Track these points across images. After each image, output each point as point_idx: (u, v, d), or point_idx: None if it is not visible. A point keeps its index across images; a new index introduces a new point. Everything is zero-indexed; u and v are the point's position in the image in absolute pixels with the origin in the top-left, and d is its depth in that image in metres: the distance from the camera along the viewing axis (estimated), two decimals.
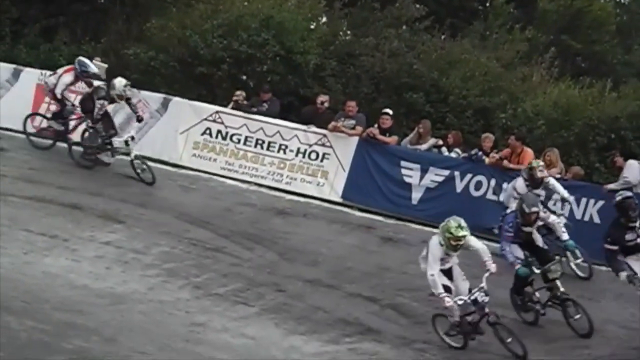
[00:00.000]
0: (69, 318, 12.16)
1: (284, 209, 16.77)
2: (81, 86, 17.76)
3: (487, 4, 24.96)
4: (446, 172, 16.75)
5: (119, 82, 16.87)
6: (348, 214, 16.69)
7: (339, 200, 17.20)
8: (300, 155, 17.61)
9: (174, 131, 18.25)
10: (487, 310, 12.46)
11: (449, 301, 12.23)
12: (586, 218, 15.76)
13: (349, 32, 21.70)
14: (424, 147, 17.28)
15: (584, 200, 15.80)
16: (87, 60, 17.49)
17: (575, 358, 12.31)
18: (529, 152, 16.60)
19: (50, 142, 17.74)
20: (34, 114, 18.14)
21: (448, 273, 12.66)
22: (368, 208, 16.93)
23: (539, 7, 24.34)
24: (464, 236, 12.36)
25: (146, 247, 14.78)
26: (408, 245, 15.57)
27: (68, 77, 17.29)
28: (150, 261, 14.42)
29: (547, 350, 12.54)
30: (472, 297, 12.39)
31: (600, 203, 15.64)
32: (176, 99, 18.53)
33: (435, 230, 14.14)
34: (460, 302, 12.38)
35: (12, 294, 12.30)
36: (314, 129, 17.62)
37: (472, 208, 16.28)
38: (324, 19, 22.09)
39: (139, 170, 16.82)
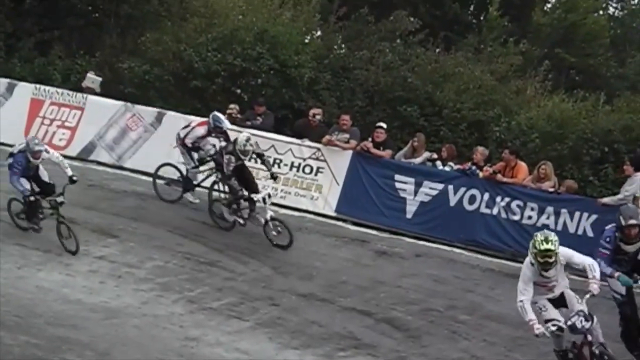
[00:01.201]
0: (62, 332, 12.16)
1: None
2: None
3: (481, 18, 25.02)
4: (440, 186, 16.74)
5: (241, 138, 15.73)
6: (342, 227, 16.69)
7: (333, 214, 17.19)
8: (294, 169, 17.62)
9: (168, 145, 18.22)
10: (589, 337, 11.18)
11: (538, 328, 10.93)
12: (579, 232, 15.75)
13: (343, 45, 21.74)
14: (418, 160, 17.29)
15: (577, 214, 15.77)
16: (221, 116, 16.67)
17: None
18: (522, 165, 16.62)
19: (178, 194, 16.83)
20: (166, 163, 17.11)
21: (560, 301, 11.38)
22: (362, 222, 16.93)
23: (533, 20, 24.42)
24: (551, 250, 10.99)
25: (140, 261, 14.79)
26: (402, 259, 15.57)
27: (200, 130, 16.52)
28: (144, 275, 14.44)
29: None
30: (570, 323, 11.06)
31: (594, 217, 15.62)
32: (171, 112, 18.54)
33: (428, 244, 14.20)
34: (553, 328, 11.09)
35: (5, 309, 12.31)
36: (308, 142, 17.62)
37: (465, 222, 16.30)
38: (319, 33, 22.14)
39: (274, 233, 15.44)
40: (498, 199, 16.27)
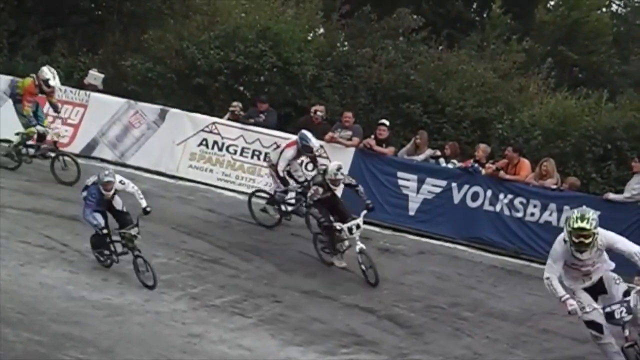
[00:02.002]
0: (65, 329, 12.17)
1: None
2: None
3: (485, 15, 25.01)
4: (443, 183, 16.76)
5: (331, 167, 15.03)
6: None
7: None
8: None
9: (171, 142, 18.28)
10: (627, 332, 10.17)
11: (572, 304, 10.06)
12: None
13: (346, 43, 21.73)
14: (420, 157, 17.30)
15: None
16: (308, 134, 16.11)
17: None
18: (525, 163, 16.63)
19: (276, 220, 16.47)
20: (260, 190, 16.99)
21: (597, 287, 10.49)
22: (365, 219, 16.93)
23: (536, 18, 24.37)
24: (586, 230, 10.03)
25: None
26: (405, 256, 15.59)
27: (290, 152, 16.07)
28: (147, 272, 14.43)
29: None
30: (608, 310, 10.12)
31: (597, 214, 15.62)
32: (173, 110, 18.56)
33: (431, 241, 14.20)
34: (589, 310, 10.22)
35: (8, 306, 12.31)
36: None
37: (469, 219, 16.32)
38: (321, 30, 22.13)
39: (364, 267, 14.57)
40: (501, 196, 16.28)
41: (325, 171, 15.02)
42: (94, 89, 19.27)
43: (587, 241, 10.06)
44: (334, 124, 17.95)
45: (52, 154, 17.07)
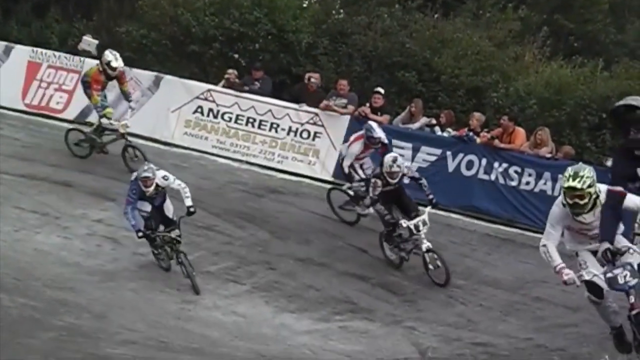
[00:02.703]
0: (60, 295, 12.19)
1: (275, 187, 16.78)
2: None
3: None
4: (438, 152, 16.75)
5: (387, 159, 14.29)
6: (339, 193, 16.68)
7: (331, 179, 17.20)
8: (292, 134, 17.61)
9: (165, 109, 18.22)
10: (632, 298, 9.29)
11: (567, 273, 9.31)
12: None
13: (341, 10, 21.62)
14: (415, 126, 17.28)
15: None
16: (373, 124, 15.48)
17: (564, 336, 12.36)
18: (520, 131, 16.63)
19: (354, 218, 15.71)
20: (334, 188, 16.16)
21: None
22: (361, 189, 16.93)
23: None
24: (578, 190, 9.23)
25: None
26: None
27: (356, 147, 15.44)
28: (141, 239, 14.43)
29: (536, 329, 12.60)
30: (610, 275, 9.25)
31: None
32: (168, 77, 18.50)
33: (425, 209, 14.19)
34: (588, 277, 9.39)
35: (3, 271, 12.33)
36: (305, 107, 17.61)
37: (463, 188, 16.33)
38: None
39: (431, 267, 13.87)
40: (496, 164, 16.29)
41: (381, 163, 14.40)
42: (88, 54, 19.17)
43: (582, 202, 9.25)
44: (329, 91, 17.91)
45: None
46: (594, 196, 9.34)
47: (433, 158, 16.78)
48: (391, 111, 17.76)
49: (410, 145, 16.90)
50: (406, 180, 14.51)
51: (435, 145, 16.78)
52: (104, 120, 16.34)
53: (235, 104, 17.95)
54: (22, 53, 19.16)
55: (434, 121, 17.35)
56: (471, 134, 16.70)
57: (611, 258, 9.17)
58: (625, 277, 9.17)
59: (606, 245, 9.18)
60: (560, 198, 9.48)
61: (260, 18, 19.90)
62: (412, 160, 16.80)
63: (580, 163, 9.72)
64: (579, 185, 9.20)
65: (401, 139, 16.97)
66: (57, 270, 13.02)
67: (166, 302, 12.73)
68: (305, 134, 17.46)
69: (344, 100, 17.58)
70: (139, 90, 18.30)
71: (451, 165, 16.67)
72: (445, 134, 17.08)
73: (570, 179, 9.24)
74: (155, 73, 18.67)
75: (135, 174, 13.48)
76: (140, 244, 14.04)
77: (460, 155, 16.54)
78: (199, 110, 18.08)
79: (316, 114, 17.50)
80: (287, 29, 20.00)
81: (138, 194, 13.32)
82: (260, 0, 20.18)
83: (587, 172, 9.32)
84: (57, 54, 19.11)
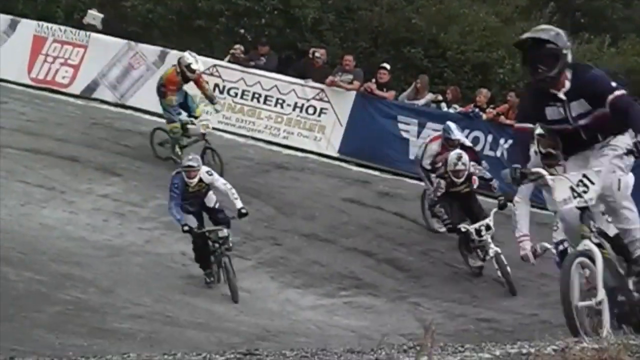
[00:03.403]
0: (66, 269, 12.23)
1: (281, 163, 16.78)
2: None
3: None
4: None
5: (451, 157, 13.55)
6: (345, 168, 16.70)
7: (336, 155, 17.19)
8: (298, 110, 17.58)
9: None
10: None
11: (525, 249, 8.74)
12: None
13: None
14: (421, 102, 17.26)
15: None
16: (451, 125, 14.78)
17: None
18: None
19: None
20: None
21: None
22: (365, 163, 16.94)
23: None
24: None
25: (143, 200, 14.82)
26: (404, 200, 15.60)
27: (434, 147, 14.80)
28: (147, 214, 14.47)
29: (541, 305, 12.63)
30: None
31: None
32: (174, 52, 18.43)
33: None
34: (541, 250, 8.74)
35: (9, 245, 12.36)
36: (311, 83, 17.57)
37: None
38: None
39: (500, 273, 13.04)
40: (502, 141, 16.27)
41: (445, 162, 13.65)
42: (93, 29, 19.14)
43: (554, 152, 7.69)
44: (335, 67, 17.87)
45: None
46: None
47: (438, 134, 16.74)
48: (397, 87, 17.73)
49: (415, 121, 16.87)
50: (475, 184, 13.69)
51: (441, 121, 16.70)
52: (183, 118, 15.65)
53: (241, 80, 17.91)
54: (27, 27, 19.12)
55: (439, 97, 17.32)
56: (477, 110, 16.67)
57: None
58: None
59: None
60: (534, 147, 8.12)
61: None
62: (418, 136, 16.78)
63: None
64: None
65: (407, 114, 16.95)
66: (63, 244, 13.06)
67: (172, 277, 12.78)
68: (311, 110, 17.43)
69: (350, 76, 17.54)
70: (144, 65, 18.27)
71: None
72: (451, 110, 17.05)
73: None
74: (160, 48, 18.63)
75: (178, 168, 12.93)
76: (146, 219, 14.09)
77: (466, 131, 16.49)
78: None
79: (322, 90, 17.46)
80: (293, 4, 19.93)
81: (181, 189, 12.68)
82: None
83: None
84: (62, 28, 19.07)
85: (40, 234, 13.20)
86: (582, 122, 7.05)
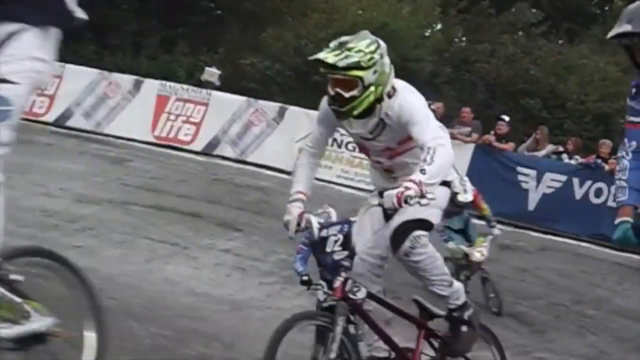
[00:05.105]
0: (190, 324, 12.35)
1: None
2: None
3: (606, 8, 24.52)
4: (564, 178, 16.51)
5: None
6: None
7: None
8: None
9: (290, 140, 18.41)
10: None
11: (289, 214, 6.34)
12: None
13: (463, 38, 21.60)
14: (541, 153, 17.08)
15: None
16: None
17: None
18: None
19: None
20: None
21: None
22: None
23: None
24: (341, 70, 5.85)
25: (264, 255, 14.92)
26: (526, 253, 15.39)
27: None
28: (268, 269, 14.56)
29: None
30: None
31: None
32: (292, 107, 18.71)
33: (553, 238, 13.86)
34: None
35: (135, 301, 12.56)
36: None
37: (592, 215, 16.02)
38: (439, 26, 22.04)
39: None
40: None
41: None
42: (211, 85, 19.56)
43: (346, 94, 5.87)
44: (452, 120, 17.84)
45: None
46: (373, 94, 5.72)
47: (558, 185, 16.53)
48: (516, 139, 17.61)
49: (534, 172, 16.69)
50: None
51: (561, 172, 16.54)
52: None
53: None
54: (151, 87, 19.64)
55: (560, 148, 17.12)
56: (599, 161, 16.41)
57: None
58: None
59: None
60: None
61: None
62: (537, 187, 16.58)
63: (366, 32, 5.83)
64: (337, 62, 5.75)
65: (526, 165, 16.78)
66: (187, 299, 13.20)
67: (294, 332, 12.78)
68: None
69: (468, 129, 17.49)
70: (264, 121, 18.55)
71: (578, 193, 16.39)
72: (572, 162, 16.82)
73: (327, 51, 5.81)
74: (279, 104, 18.91)
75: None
76: (267, 274, 14.18)
77: (588, 182, 16.26)
78: None
79: None
80: (410, 57, 20.05)
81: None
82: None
83: (368, 44, 5.70)
84: (184, 86, 19.54)
85: (165, 289, 13.37)
86: None
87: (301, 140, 18.32)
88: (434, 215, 6.05)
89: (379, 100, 5.81)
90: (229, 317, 12.98)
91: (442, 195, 5.99)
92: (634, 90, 5.85)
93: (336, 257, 5.99)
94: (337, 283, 5.92)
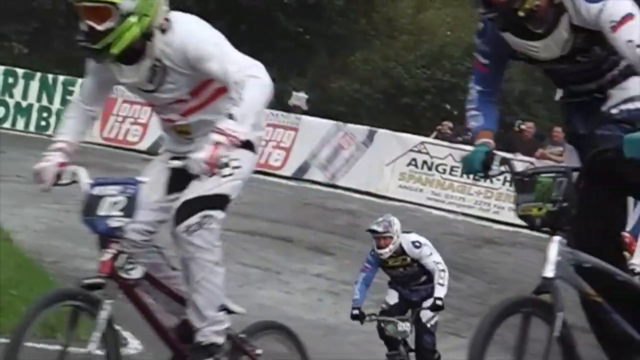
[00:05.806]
0: (284, 350, 12.43)
1: (492, 238, 16.62)
2: None
3: None
4: None
5: None
6: None
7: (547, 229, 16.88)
8: (508, 184, 17.42)
9: (380, 163, 18.43)
10: None
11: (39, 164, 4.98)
12: None
13: None
14: None
15: None
16: None
17: None
18: None
19: None
20: None
21: None
22: None
23: None
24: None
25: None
26: None
27: None
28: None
29: None
30: None
31: None
32: (381, 130, 18.73)
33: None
34: None
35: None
36: (520, 156, 17.42)
37: None
38: None
39: None
40: None
41: None
42: (299, 109, 19.69)
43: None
44: (544, 139, 17.67)
45: None
46: (136, 26, 4.68)
47: None
48: None
49: None
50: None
51: None
52: None
53: (449, 156, 17.96)
54: None
55: None
56: None
57: None
58: None
59: None
60: None
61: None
62: (634, 206, 16.30)
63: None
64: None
65: None
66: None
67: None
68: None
69: (560, 148, 17.30)
70: (353, 145, 18.60)
71: None
72: None
73: None
74: (368, 127, 18.94)
75: None
76: None
77: None
78: (413, 162, 18.19)
79: (531, 163, 17.25)
80: None
81: (372, 262, 10.61)
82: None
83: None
84: (274, 112, 19.69)
85: (259, 314, 13.44)
86: None
87: (391, 163, 18.36)
88: (235, 188, 5.16)
89: (148, 36, 4.68)
90: (324, 341, 13.01)
91: (247, 162, 5.15)
92: (481, 25, 4.80)
93: (111, 223, 4.72)
94: (106, 257, 4.71)
